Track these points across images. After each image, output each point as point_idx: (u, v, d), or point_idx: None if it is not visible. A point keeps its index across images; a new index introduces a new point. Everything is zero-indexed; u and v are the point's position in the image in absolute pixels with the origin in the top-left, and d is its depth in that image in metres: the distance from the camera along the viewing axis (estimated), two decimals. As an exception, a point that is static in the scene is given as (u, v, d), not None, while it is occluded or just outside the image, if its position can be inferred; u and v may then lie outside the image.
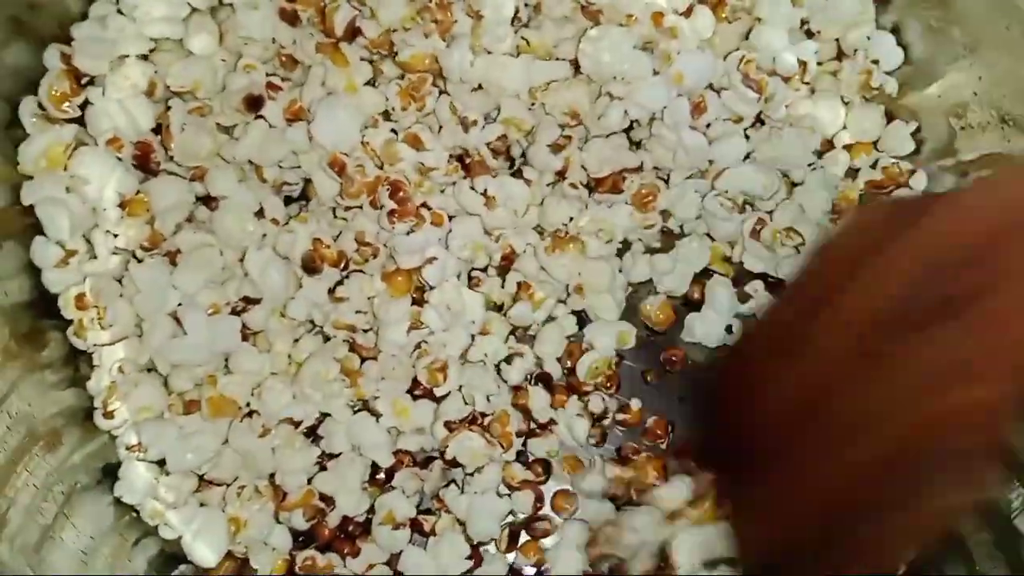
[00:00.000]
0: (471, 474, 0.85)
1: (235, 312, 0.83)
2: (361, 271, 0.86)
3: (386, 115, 0.87)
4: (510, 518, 0.88)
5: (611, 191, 0.88)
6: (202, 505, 0.83)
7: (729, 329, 0.91)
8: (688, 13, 0.88)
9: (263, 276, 0.81)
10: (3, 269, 0.78)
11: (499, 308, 0.89)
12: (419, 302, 0.86)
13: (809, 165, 0.91)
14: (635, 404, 0.90)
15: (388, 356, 0.85)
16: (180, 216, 0.83)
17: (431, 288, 0.86)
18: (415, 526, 0.85)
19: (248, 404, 0.83)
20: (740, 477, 0.77)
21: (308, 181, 0.87)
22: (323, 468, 0.85)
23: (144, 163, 0.83)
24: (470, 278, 0.88)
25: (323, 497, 0.84)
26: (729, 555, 0.85)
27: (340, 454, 0.84)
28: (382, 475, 0.87)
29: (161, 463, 0.82)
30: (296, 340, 0.85)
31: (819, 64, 0.92)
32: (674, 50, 0.86)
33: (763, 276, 0.91)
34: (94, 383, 0.82)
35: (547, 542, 0.87)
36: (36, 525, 0.70)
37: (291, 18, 0.85)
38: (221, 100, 0.85)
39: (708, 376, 0.85)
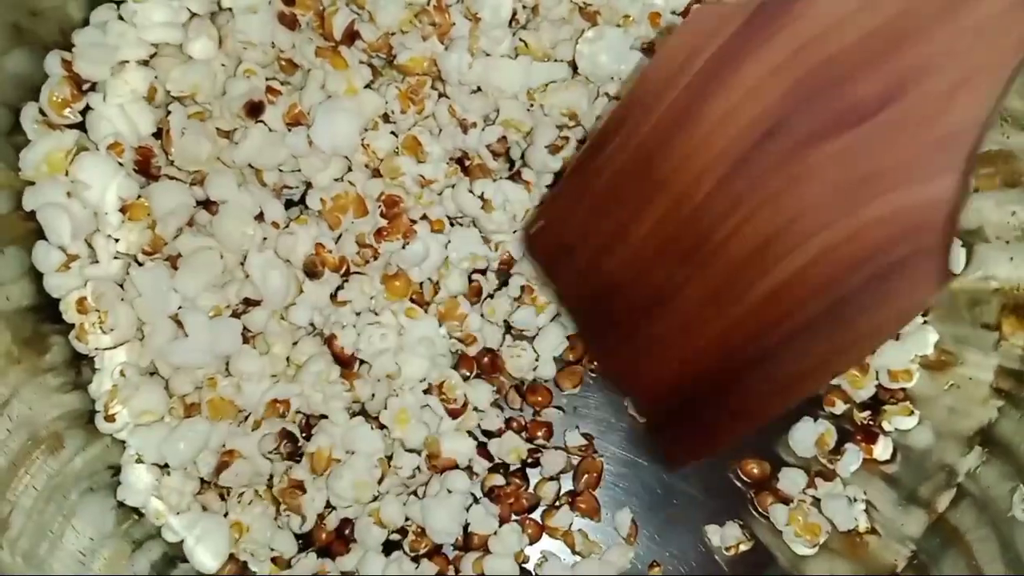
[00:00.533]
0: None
1: (236, 315, 0.83)
2: (362, 273, 0.86)
3: (385, 118, 0.87)
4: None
5: (610, 191, 0.89)
6: (204, 509, 0.83)
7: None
8: (685, 13, 0.88)
9: (264, 278, 0.82)
10: (5, 274, 0.78)
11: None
12: (419, 304, 0.87)
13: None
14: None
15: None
16: (181, 220, 0.84)
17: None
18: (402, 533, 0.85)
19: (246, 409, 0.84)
20: (607, 337, 0.74)
21: (308, 185, 0.88)
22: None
23: (145, 168, 0.84)
24: (470, 280, 0.88)
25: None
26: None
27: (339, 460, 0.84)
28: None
29: (163, 466, 0.82)
30: (295, 343, 0.86)
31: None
32: (672, 50, 0.86)
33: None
34: (95, 387, 0.82)
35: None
36: (38, 528, 0.70)
37: (290, 22, 0.86)
38: (221, 105, 0.85)
39: (532, 241, 0.80)
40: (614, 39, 0.85)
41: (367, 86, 0.87)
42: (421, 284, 0.87)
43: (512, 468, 0.88)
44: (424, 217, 0.87)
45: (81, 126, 0.83)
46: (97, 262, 0.82)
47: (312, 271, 0.83)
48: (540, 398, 0.89)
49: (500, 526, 0.84)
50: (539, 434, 0.88)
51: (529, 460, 0.88)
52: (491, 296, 0.89)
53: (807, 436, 0.89)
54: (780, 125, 0.58)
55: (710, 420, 0.69)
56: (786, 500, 0.88)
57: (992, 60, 0.52)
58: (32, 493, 0.71)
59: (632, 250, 0.67)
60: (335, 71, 0.85)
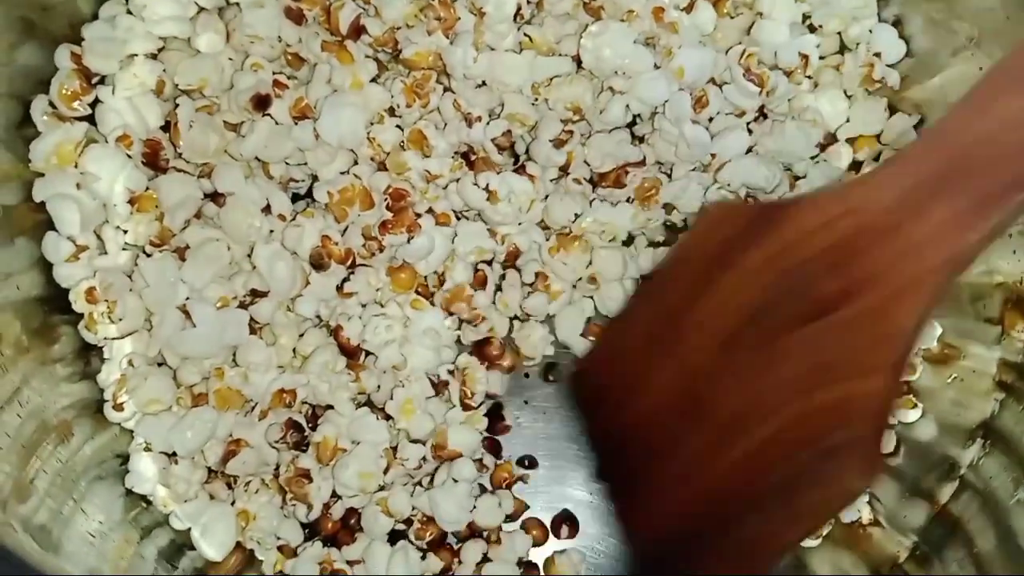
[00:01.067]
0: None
1: (242, 306, 0.84)
2: (368, 265, 0.87)
3: (391, 111, 0.88)
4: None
5: (614, 185, 0.89)
6: (212, 498, 0.84)
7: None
8: (689, 8, 0.89)
9: (271, 270, 0.82)
10: (15, 264, 0.79)
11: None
12: (424, 296, 0.87)
13: (812, 158, 0.91)
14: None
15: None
16: (188, 212, 0.85)
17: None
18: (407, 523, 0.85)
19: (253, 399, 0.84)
20: (623, 478, 0.80)
21: (314, 178, 0.88)
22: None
23: (153, 160, 0.84)
24: (475, 270, 0.89)
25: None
26: None
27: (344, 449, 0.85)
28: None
29: (171, 454, 0.83)
30: (301, 335, 0.87)
31: (821, 58, 0.93)
32: (675, 45, 0.86)
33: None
34: (104, 376, 0.83)
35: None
36: (50, 514, 0.71)
37: (297, 17, 0.86)
38: (228, 98, 0.86)
39: (574, 380, 0.87)
40: (618, 34, 0.85)
41: (373, 80, 0.88)
42: (426, 277, 0.88)
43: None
44: (430, 211, 0.87)
45: (90, 119, 0.84)
46: (106, 253, 0.83)
47: (318, 263, 0.84)
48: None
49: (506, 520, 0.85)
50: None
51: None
52: (498, 288, 0.90)
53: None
54: (763, 310, 0.66)
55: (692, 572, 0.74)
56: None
57: (922, 277, 0.59)
58: (44, 479, 0.72)
59: (650, 398, 0.74)
60: (341, 65, 0.86)
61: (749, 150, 0.90)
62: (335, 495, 0.85)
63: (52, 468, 0.74)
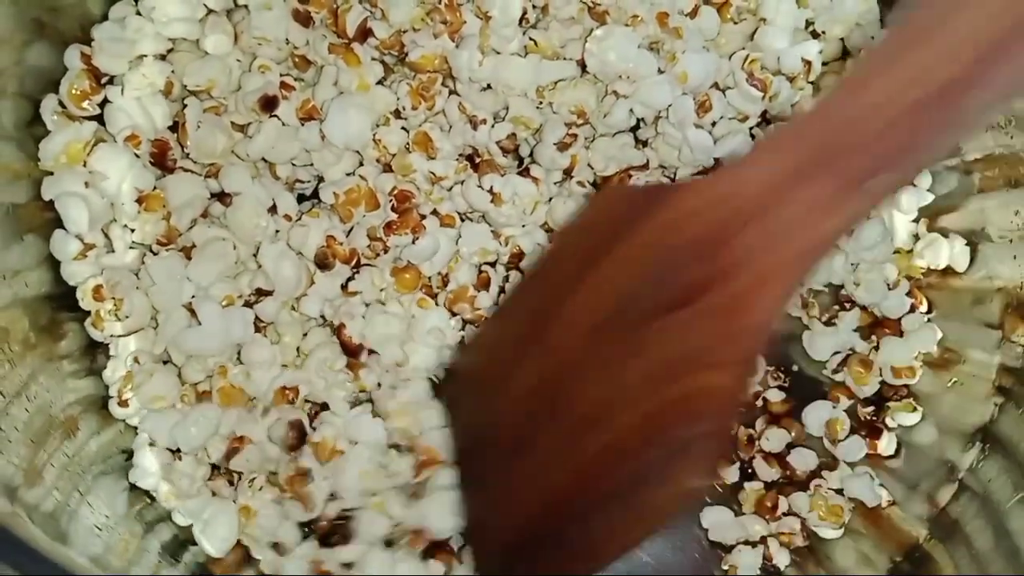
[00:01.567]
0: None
1: (248, 304, 0.84)
2: (372, 265, 0.87)
3: (396, 114, 0.89)
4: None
5: (617, 189, 0.90)
6: (214, 495, 0.84)
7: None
8: (693, 13, 0.90)
9: (276, 269, 0.83)
10: (24, 261, 0.79)
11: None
12: (429, 297, 0.88)
13: (814, 163, 0.92)
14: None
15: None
16: (195, 212, 0.85)
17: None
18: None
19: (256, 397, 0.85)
20: (479, 482, 0.78)
21: (320, 179, 0.89)
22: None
23: (161, 160, 0.85)
24: (479, 271, 0.90)
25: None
26: None
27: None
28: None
29: (175, 451, 0.84)
30: (304, 334, 0.87)
31: (824, 64, 0.93)
32: (679, 50, 0.87)
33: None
34: (109, 372, 0.84)
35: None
36: (57, 505, 0.72)
37: (304, 19, 0.87)
38: (236, 99, 0.87)
39: (446, 379, 0.86)
40: (622, 38, 0.86)
41: (379, 83, 0.89)
42: (430, 278, 0.88)
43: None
44: (434, 212, 0.88)
45: (99, 118, 0.85)
46: (113, 251, 0.84)
47: (324, 263, 0.84)
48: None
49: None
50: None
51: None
52: (501, 289, 0.90)
53: (821, 416, 0.90)
54: (632, 298, 0.63)
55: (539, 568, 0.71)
56: (802, 485, 0.90)
57: (781, 266, 0.58)
58: (51, 472, 0.73)
59: (509, 399, 0.72)
60: (348, 68, 0.87)
61: (751, 155, 0.91)
62: (332, 496, 0.85)
63: (59, 462, 0.75)
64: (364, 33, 0.87)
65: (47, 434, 0.74)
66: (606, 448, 0.64)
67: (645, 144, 0.92)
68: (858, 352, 0.92)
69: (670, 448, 0.60)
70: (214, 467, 0.85)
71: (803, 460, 0.90)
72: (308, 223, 0.85)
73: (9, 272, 0.77)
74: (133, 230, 0.84)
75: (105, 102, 0.85)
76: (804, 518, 0.89)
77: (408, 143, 0.88)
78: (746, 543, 0.89)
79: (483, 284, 0.89)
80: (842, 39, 0.94)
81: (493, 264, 0.90)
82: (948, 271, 0.89)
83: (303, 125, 0.86)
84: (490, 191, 0.87)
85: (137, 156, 0.84)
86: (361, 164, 0.89)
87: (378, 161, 0.88)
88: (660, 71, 0.87)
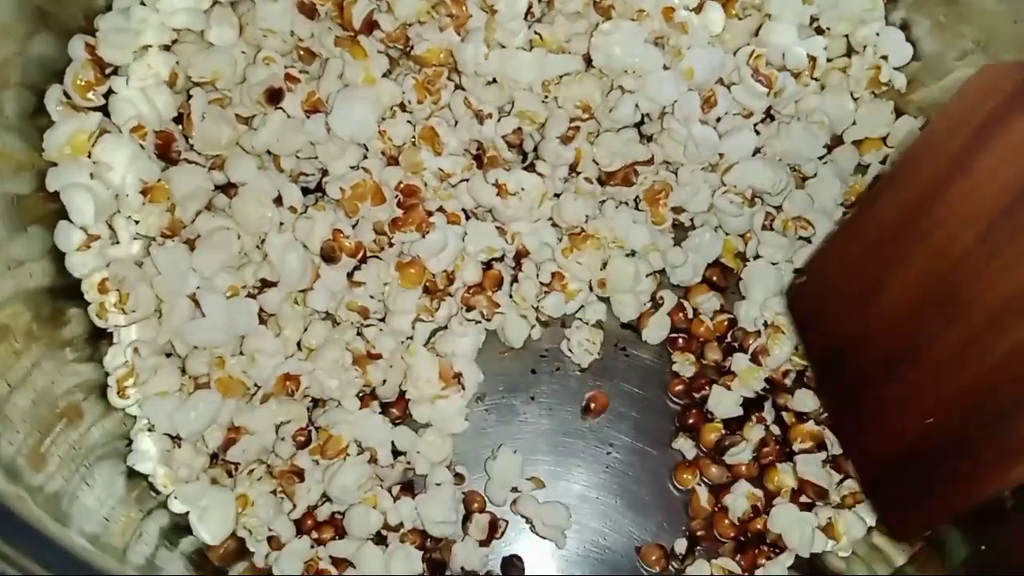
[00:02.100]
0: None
1: (252, 295, 0.84)
2: (378, 257, 0.87)
3: (402, 107, 0.89)
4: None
5: (622, 184, 0.90)
6: (214, 482, 0.84)
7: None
8: (698, 9, 0.90)
9: (282, 259, 0.83)
10: (29, 252, 0.79)
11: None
12: (431, 291, 0.88)
13: (819, 159, 0.92)
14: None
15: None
16: (199, 204, 0.85)
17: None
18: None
19: (256, 385, 0.85)
20: (846, 396, 0.73)
21: (324, 172, 0.89)
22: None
23: (165, 152, 0.85)
24: (486, 267, 0.90)
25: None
26: None
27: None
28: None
29: (174, 438, 0.84)
30: (305, 328, 0.87)
31: (829, 60, 0.94)
32: (684, 45, 0.87)
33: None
34: (110, 359, 0.83)
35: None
36: (60, 488, 0.72)
37: (309, 12, 0.87)
38: (241, 91, 0.86)
39: (794, 295, 0.82)
40: (628, 33, 0.86)
41: (384, 75, 0.88)
42: (435, 274, 0.88)
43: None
44: (440, 209, 0.88)
45: (104, 109, 0.85)
46: (117, 242, 0.84)
47: (330, 256, 0.84)
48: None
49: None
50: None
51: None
52: (514, 279, 0.91)
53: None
54: None
55: (937, 489, 0.66)
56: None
57: None
58: (54, 457, 0.72)
59: (887, 303, 0.68)
60: (354, 60, 0.86)
61: (757, 151, 0.91)
62: (324, 497, 0.85)
63: (63, 448, 0.74)
64: (370, 26, 0.86)
65: (52, 421, 0.74)
66: (1018, 348, 0.57)
67: (650, 139, 0.92)
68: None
69: None
70: (213, 457, 0.85)
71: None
72: (314, 216, 0.84)
73: (13, 263, 0.77)
74: (137, 221, 0.84)
75: (109, 92, 0.85)
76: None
77: (414, 137, 0.88)
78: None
79: (495, 282, 0.89)
80: (847, 35, 0.94)
81: (500, 259, 0.90)
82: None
83: (308, 118, 0.86)
84: (496, 184, 0.87)
85: (142, 147, 0.84)
86: (365, 157, 0.89)
87: (383, 154, 0.88)
88: (665, 67, 0.87)
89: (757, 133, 0.91)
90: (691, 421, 0.90)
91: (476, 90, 0.88)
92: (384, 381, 0.86)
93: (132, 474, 0.82)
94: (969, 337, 0.61)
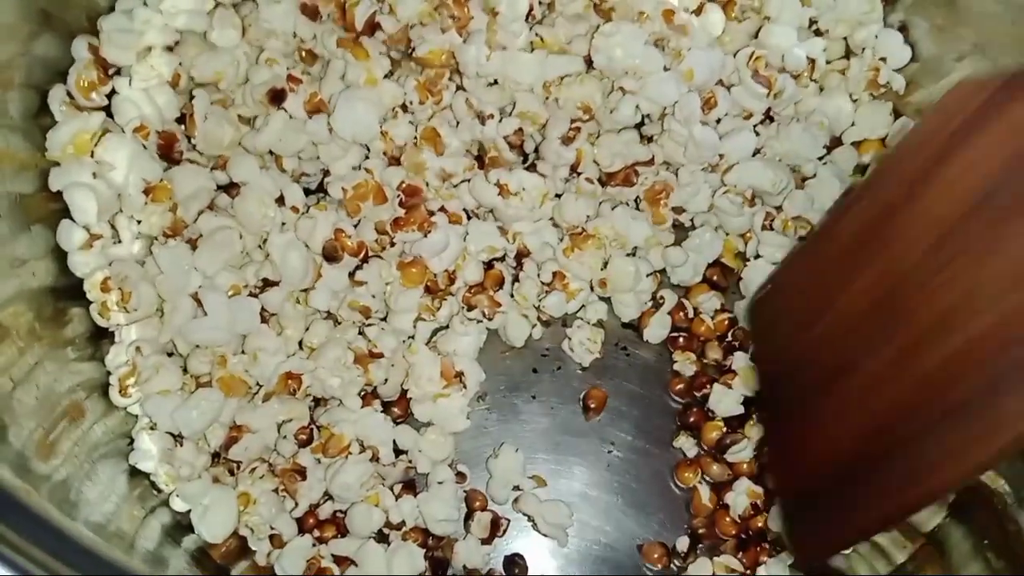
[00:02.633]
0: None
1: (254, 295, 0.84)
2: (379, 257, 0.87)
3: (404, 108, 0.89)
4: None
5: (623, 184, 0.90)
6: (216, 481, 0.84)
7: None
8: (699, 11, 0.90)
9: (284, 259, 0.83)
10: (31, 252, 0.79)
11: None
12: (433, 291, 0.88)
13: (819, 159, 0.93)
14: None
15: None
16: (202, 204, 0.85)
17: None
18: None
19: (258, 384, 0.85)
20: (788, 409, 0.73)
21: (326, 173, 0.89)
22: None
23: (168, 152, 0.85)
24: (488, 267, 0.90)
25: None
26: None
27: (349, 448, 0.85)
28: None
29: (176, 436, 0.84)
30: (307, 328, 0.87)
31: (828, 62, 0.94)
32: (684, 47, 0.88)
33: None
34: (111, 357, 0.84)
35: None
36: (66, 486, 0.72)
37: (312, 13, 0.87)
38: (243, 92, 0.87)
39: (756, 306, 0.83)
40: (629, 35, 0.86)
41: (386, 76, 0.89)
42: (436, 274, 0.88)
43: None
44: (442, 209, 0.88)
45: (107, 109, 0.85)
46: (120, 242, 0.84)
47: (331, 255, 0.84)
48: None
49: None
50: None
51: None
52: (515, 279, 0.91)
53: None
54: (989, 196, 0.59)
55: (849, 510, 0.67)
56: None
57: None
58: (59, 459, 0.73)
59: (833, 321, 0.69)
60: (356, 61, 0.87)
61: (757, 152, 0.92)
62: (326, 495, 0.85)
63: (65, 446, 0.74)
64: (372, 27, 0.87)
65: (53, 419, 0.74)
66: (954, 356, 0.58)
67: (650, 140, 0.92)
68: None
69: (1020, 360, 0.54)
70: (215, 455, 0.85)
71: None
72: (316, 216, 0.85)
73: (16, 262, 0.77)
74: (139, 221, 0.84)
75: (113, 93, 0.85)
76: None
77: (416, 138, 0.88)
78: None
79: (496, 282, 0.89)
80: (845, 37, 0.95)
81: (501, 259, 0.91)
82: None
83: (310, 118, 0.86)
84: (497, 184, 0.87)
85: (144, 147, 0.84)
86: (367, 158, 0.89)
87: (385, 154, 0.88)
88: (666, 68, 0.87)
89: (757, 134, 0.92)
90: (692, 419, 0.90)
91: (478, 91, 0.89)
92: (386, 380, 0.86)
93: (134, 473, 0.82)
94: (907, 348, 0.62)
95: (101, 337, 0.85)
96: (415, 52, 0.88)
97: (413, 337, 0.88)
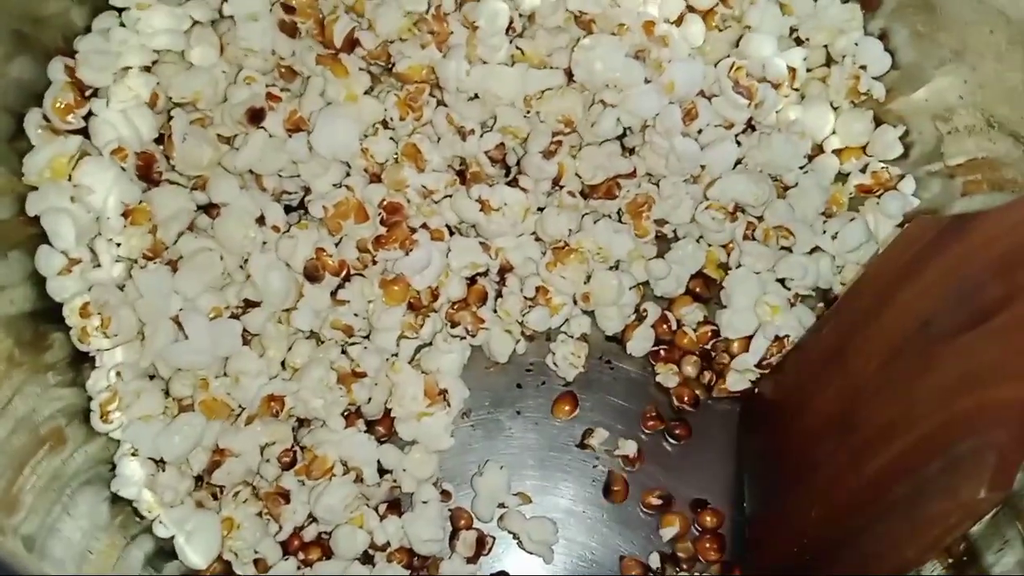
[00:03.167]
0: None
1: (235, 316, 0.84)
2: (361, 275, 0.87)
3: (384, 124, 0.89)
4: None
5: (605, 197, 0.90)
6: (200, 505, 0.84)
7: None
8: (679, 22, 0.90)
9: (265, 280, 0.83)
10: (8, 278, 0.79)
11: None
12: (415, 308, 0.88)
13: (800, 168, 0.93)
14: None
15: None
16: (181, 225, 0.85)
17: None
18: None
19: (240, 406, 0.84)
20: (766, 499, 0.82)
21: (307, 191, 0.89)
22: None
23: (146, 173, 0.85)
24: (470, 283, 0.90)
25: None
26: None
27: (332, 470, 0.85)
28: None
29: (158, 461, 0.83)
30: (289, 348, 0.87)
31: (808, 70, 0.94)
32: (665, 58, 0.87)
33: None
34: (93, 383, 0.83)
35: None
36: (40, 520, 0.71)
37: (291, 30, 0.87)
38: (222, 111, 0.86)
39: (748, 404, 0.90)
40: (609, 47, 0.86)
41: (366, 93, 0.88)
42: (419, 291, 0.88)
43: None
44: (424, 226, 0.88)
45: (84, 132, 0.84)
46: (99, 266, 0.83)
47: (313, 274, 0.84)
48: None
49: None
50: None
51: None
52: (498, 294, 0.91)
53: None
54: (931, 319, 0.67)
55: None
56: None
57: None
58: (34, 486, 0.72)
59: (805, 423, 0.77)
60: (335, 78, 0.87)
61: (738, 162, 0.91)
62: (311, 518, 0.85)
63: (45, 475, 0.74)
64: (351, 43, 0.87)
65: (33, 449, 0.74)
66: (890, 463, 0.66)
67: (632, 152, 0.92)
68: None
69: (954, 460, 0.60)
70: (198, 480, 0.85)
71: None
72: (297, 235, 0.84)
73: (-5, 288, 0.76)
74: (119, 244, 0.84)
75: (90, 115, 0.84)
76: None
77: (396, 155, 0.88)
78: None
79: (479, 298, 0.89)
80: (826, 46, 0.95)
81: (484, 275, 0.90)
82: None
83: (290, 136, 0.86)
84: (479, 200, 0.87)
85: (123, 169, 0.84)
86: (348, 175, 0.89)
87: (365, 171, 0.88)
88: (647, 80, 0.87)
89: (738, 144, 0.92)
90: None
91: (458, 106, 0.89)
92: (369, 399, 0.86)
93: (116, 500, 0.82)
94: (857, 452, 0.70)
95: (82, 362, 0.84)
96: (395, 68, 0.88)
97: (396, 355, 0.88)
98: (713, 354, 0.92)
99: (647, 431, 0.91)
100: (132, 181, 0.84)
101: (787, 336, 0.87)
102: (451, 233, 0.90)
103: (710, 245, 0.94)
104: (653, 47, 0.88)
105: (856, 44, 0.93)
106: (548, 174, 0.89)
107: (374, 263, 0.86)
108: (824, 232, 0.91)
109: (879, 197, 0.93)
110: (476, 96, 0.88)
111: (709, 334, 0.92)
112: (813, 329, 0.87)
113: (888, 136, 0.92)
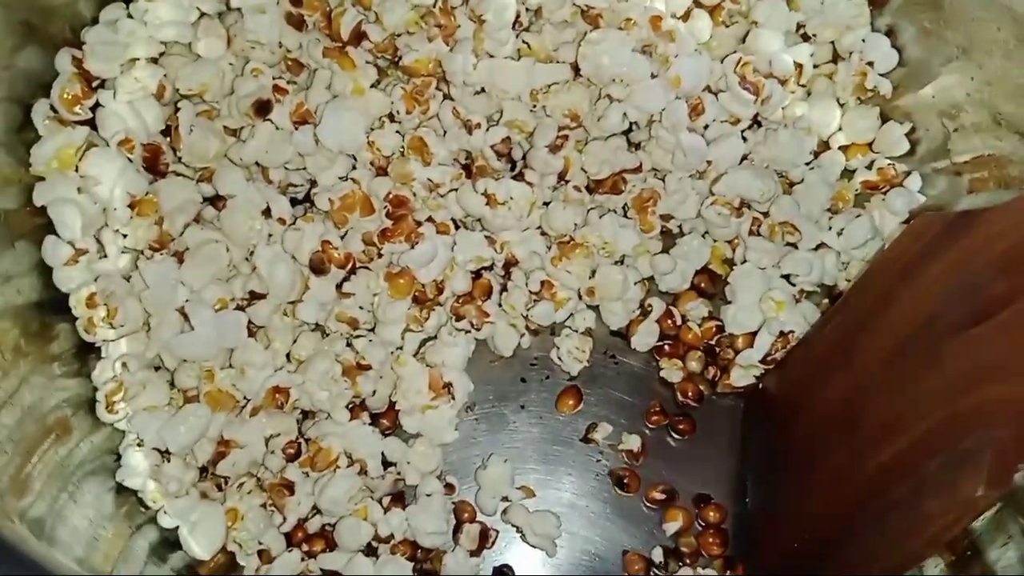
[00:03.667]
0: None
1: (241, 308, 0.84)
2: (367, 268, 0.87)
3: (391, 117, 0.89)
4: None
5: (611, 191, 0.90)
6: (204, 496, 0.84)
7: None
8: (686, 17, 0.90)
9: (271, 272, 0.83)
10: (15, 268, 0.79)
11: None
12: (421, 301, 0.88)
13: (806, 165, 0.93)
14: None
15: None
16: (188, 216, 0.85)
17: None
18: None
19: (245, 398, 0.84)
20: (771, 495, 0.81)
21: (312, 183, 0.89)
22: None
23: (153, 164, 0.85)
24: (476, 277, 0.90)
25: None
26: None
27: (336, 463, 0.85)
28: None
29: (163, 452, 0.83)
30: (295, 340, 0.87)
31: (815, 66, 0.94)
32: (672, 53, 0.87)
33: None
34: (98, 373, 0.83)
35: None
36: (46, 507, 0.71)
37: (297, 23, 0.87)
38: (229, 103, 0.86)
39: (753, 397, 0.90)
40: (616, 42, 0.86)
41: (372, 86, 0.88)
42: (424, 285, 0.88)
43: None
44: (429, 219, 0.88)
45: (91, 123, 0.84)
46: (105, 257, 0.84)
47: (319, 267, 0.84)
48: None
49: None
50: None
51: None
52: (503, 288, 0.91)
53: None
54: (936, 316, 0.67)
55: None
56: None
57: None
58: (41, 474, 0.72)
59: (810, 418, 0.77)
60: (342, 71, 0.87)
61: (744, 158, 0.91)
62: (315, 509, 0.85)
63: (51, 464, 0.74)
64: (358, 36, 0.86)
65: (40, 438, 0.74)
66: (893, 459, 0.66)
67: (638, 147, 0.92)
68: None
69: (956, 458, 0.61)
70: (203, 470, 0.85)
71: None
72: (303, 227, 0.84)
73: (1, 278, 0.76)
74: (125, 235, 0.84)
75: (97, 106, 0.85)
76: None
77: (403, 147, 0.88)
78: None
79: (484, 292, 0.89)
80: (832, 42, 0.95)
81: (489, 269, 0.91)
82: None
83: (297, 129, 0.86)
84: (485, 194, 0.87)
85: (130, 160, 0.84)
86: (354, 168, 0.89)
87: (372, 164, 0.88)
88: (653, 75, 0.87)
89: (744, 140, 0.92)
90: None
91: (465, 100, 0.89)
92: (374, 392, 0.86)
93: (121, 490, 0.82)
94: (859, 449, 0.70)
95: (88, 352, 0.84)
96: (402, 61, 0.88)
97: (401, 348, 0.88)
98: (717, 349, 0.92)
99: (651, 426, 0.91)
100: (139, 172, 0.84)
101: (792, 332, 0.87)
102: (456, 227, 0.90)
103: (715, 240, 0.94)
104: (660, 42, 0.88)
105: (863, 40, 0.92)
106: (554, 168, 0.89)
107: (380, 256, 0.87)
108: (830, 228, 0.91)
109: (885, 194, 0.93)
110: (482, 90, 0.88)
111: (714, 329, 0.92)
112: (818, 325, 0.87)
113: (895, 133, 0.92)
